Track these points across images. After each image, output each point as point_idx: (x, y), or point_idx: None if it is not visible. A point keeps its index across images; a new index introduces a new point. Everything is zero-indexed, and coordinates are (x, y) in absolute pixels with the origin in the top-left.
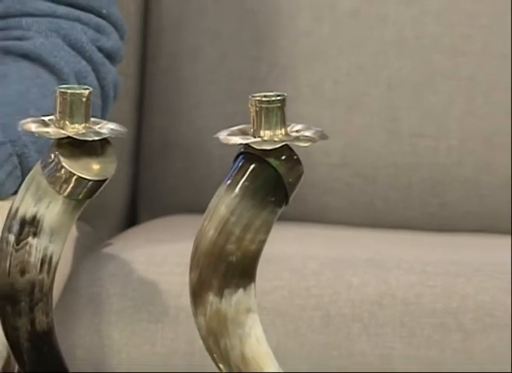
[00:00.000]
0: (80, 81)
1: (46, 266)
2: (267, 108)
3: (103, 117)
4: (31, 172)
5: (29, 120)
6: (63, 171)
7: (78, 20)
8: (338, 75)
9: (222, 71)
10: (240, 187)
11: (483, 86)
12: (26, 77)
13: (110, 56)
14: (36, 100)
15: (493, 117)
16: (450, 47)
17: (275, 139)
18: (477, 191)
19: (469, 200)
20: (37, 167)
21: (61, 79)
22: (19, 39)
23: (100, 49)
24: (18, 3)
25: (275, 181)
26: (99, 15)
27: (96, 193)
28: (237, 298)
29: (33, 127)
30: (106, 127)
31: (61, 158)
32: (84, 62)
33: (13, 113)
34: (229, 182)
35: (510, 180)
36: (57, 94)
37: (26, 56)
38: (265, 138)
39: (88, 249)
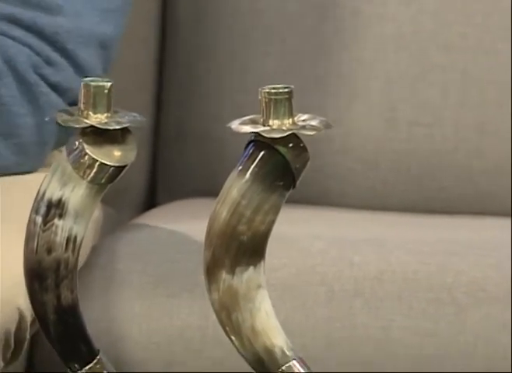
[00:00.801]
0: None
1: (71, 246)
2: (275, 99)
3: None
4: (57, 160)
5: (60, 110)
6: (86, 157)
7: (29, 46)
8: (341, 69)
9: (234, 66)
10: (251, 172)
11: (475, 79)
12: None
13: (56, 88)
14: None
15: (484, 107)
16: (445, 43)
17: (283, 128)
18: (470, 175)
19: (463, 184)
20: (63, 154)
21: None
22: None
23: (44, 78)
24: None
25: (283, 167)
26: (61, 49)
27: (117, 178)
28: (248, 275)
29: (59, 117)
30: (127, 117)
31: (85, 146)
32: (9, 79)
33: None
34: (240, 167)
35: (499, 165)
36: (82, 86)
37: None
38: (274, 127)
39: (110, 229)
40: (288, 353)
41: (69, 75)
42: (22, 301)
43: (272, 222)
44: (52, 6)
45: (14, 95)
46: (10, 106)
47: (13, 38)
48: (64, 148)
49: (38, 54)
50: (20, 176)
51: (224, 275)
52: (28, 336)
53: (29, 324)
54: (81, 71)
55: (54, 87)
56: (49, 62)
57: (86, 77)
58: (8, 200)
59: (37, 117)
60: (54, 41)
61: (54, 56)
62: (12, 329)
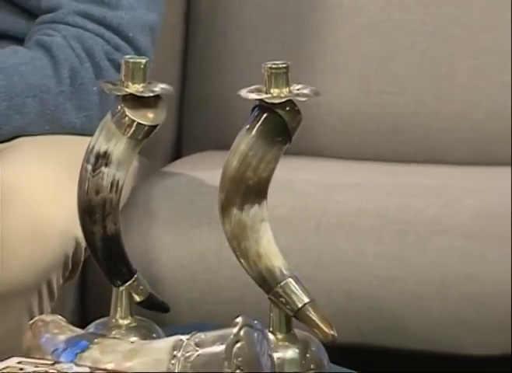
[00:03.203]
0: (72, 73)
1: (114, 188)
2: (275, 72)
3: (104, 107)
4: (103, 120)
5: (105, 81)
6: (127, 118)
7: (102, 37)
8: (327, 50)
9: (244, 47)
10: (256, 130)
11: (432, 57)
12: (30, 57)
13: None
14: (25, 72)
15: (439, 79)
16: (408, 29)
17: (281, 95)
18: (427, 133)
19: (422, 139)
20: (108, 116)
21: (55, 67)
22: (49, 36)
23: (113, 62)
24: (63, 14)
25: (281, 126)
26: (124, 37)
27: (151, 135)
28: (254, 211)
29: (105, 87)
30: (158, 87)
31: (126, 110)
32: (88, 64)
33: None
34: (247, 126)
35: (451, 124)
36: (123, 62)
37: (42, 46)
38: (274, 95)
39: (145, 175)
40: (285, 272)
41: None
42: (78, 232)
43: (273, 170)
44: (112, 2)
45: (91, 77)
46: (87, 86)
47: (88, 30)
48: (109, 112)
49: (108, 42)
50: (82, 137)
51: (235, 211)
52: (82, 260)
53: (83, 250)
54: (139, 53)
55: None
56: (117, 49)
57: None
58: (71, 153)
59: (102, 96)
60: (119, 31)
61: (121, 43)
62: (70, 254)
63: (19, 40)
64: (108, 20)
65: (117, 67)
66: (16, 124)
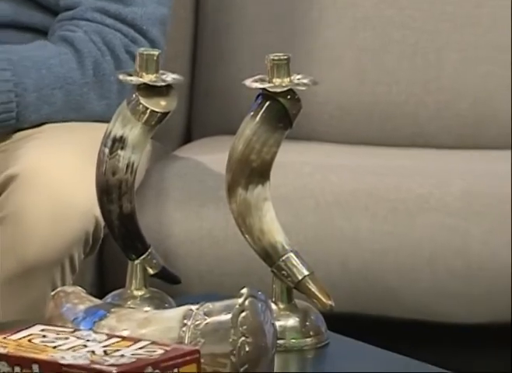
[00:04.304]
0: (95, 66)
1: (129, 170)
2: (277, 63)
3: (121, 96)
4: (119, 107)
5: (122, 72)
6: (141, 106)
7: (120, 31)
8: (325, 43)
9: (248, 41)
10: (260, 117)
11: (422, 50)
12: (56, 51)
13: None
14: (52, 66)
15: (428, 70)
16: (399, 23)
17: (283, 84)
18: (416, 119)
19: (412, 125)
20: (124, 104)
21: (79, 60)
22: (71, 31)
23: (131, 54)
24: (82, 11)
25: (282, 113)
26: (139, 30)
27: (163, 121)
28: (257, 191)
29: (121, 76)
30: (170, 77)
31: (140, 98)
32: (108, 57)
33: (29, 66)
34: (252, 113)
35: (438, 112)
36: (137, 54)
37: (65, 40)
38: (276, 84)
39: (158, 158)
40: (286, 247)
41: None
42: (98, 212)
43: (275, 153)
44: None
45: (112, 69)
46: (109, 77)
47: (107, 25)
48: (125, 100)
49: (126, 36)
50: (100, 124)
51: (240, 191)
52: (101, 237)
53: (102, 228)
54: (153, 45)
55: None
56: (134, 41)
57: (154, 48)
58: (90, 139)
59: (120, 86)
60: (134, 25)
61: (137, 36)
62: (91, 231)
63: (37, 31)
64: (123, 15)
65: (134, 58)
66: (44, 113)
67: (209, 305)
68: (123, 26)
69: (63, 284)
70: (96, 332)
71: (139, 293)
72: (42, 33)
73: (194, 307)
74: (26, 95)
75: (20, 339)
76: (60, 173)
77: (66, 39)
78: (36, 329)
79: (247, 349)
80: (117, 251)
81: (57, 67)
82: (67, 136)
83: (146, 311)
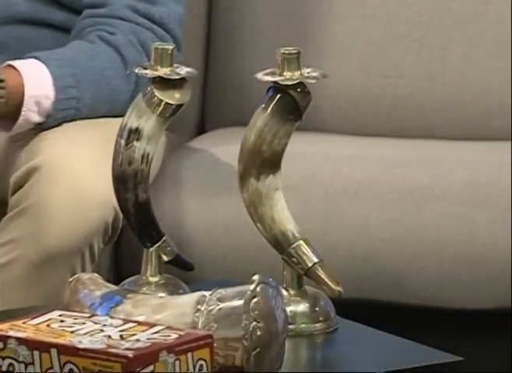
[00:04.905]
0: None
1: (145, 160)
2: (288, 58)
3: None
4: (135, 100)
5: (138, 65)
6: (156, 98)
7: (151, 30)
8: (334, 38)
9: (260, 36)
10: (271, 109)
11: (427, 44)
12: (109, 61)
13: None
14: (108, 78)
15: (433, 64)
16: (405, 20)
17: (293, 78)
18: (422, 111)
19: (418, 117)
20: (139, 96)
21: (124, 62)
22: (110, 33)
23: None
24: (114, 9)
25: (293, 105)
26: (166, 29)
27: (177, 113)
28: (269, 181)
29: (137, 70)
30: (184, 70)
31: (155, 90)
32: (146, 58)
33: (90, 80)
34: (263, 105)
35: (444, 105)
36: (152, 49)
37: (110, 44)
38: (287, 77)
39: (172, 149)
40: (297, 235)
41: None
42: (116, 202)
43: (286, 144)
44: None
45: None
46: (145, 79)
47: (138, 24)
48: (140, 93)
49: (156, 35)
50: (115, 118)
51: (252, 180)
52: (120, 226)
53: (121, 218)
54: (176, 42)
55: None
56: (163, 40)
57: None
58: (107, 132)
59: None
60: (162, 23)
61: (165, 34)
62: (110, 221)
63: (54, 27)
64: (152, 14)
65: None
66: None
67: (222, 291)
68: (153, 25)
69: (82, 272)
70: (112, 318)
71: (154, 279)
72: (60, 29)
73: (207, 293)
74: (83, 110)
75: (39, 324)
76: (80, 165)
77: (110, 42)
78: (54, 315)
79: (259, 333)
80: (132, 239)
81: (112, 79)
82: (86, 130)
83: (161, 297)
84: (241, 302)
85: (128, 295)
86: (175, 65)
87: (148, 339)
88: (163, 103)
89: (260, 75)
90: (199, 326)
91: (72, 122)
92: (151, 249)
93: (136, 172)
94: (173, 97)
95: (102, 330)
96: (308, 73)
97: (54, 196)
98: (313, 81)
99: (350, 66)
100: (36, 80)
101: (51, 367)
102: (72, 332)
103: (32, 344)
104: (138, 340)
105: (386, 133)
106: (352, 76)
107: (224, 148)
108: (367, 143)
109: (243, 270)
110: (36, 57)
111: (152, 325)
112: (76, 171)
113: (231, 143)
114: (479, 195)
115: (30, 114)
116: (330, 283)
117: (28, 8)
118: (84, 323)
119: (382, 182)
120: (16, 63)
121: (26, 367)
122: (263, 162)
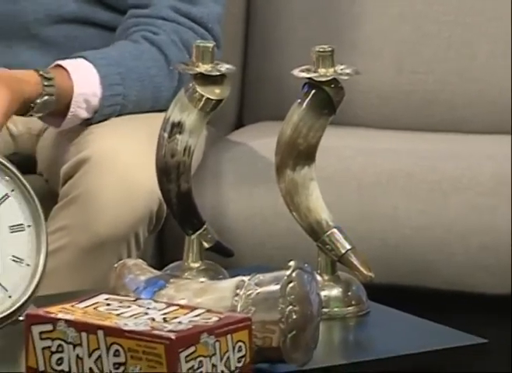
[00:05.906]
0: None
1: (187, 152)
2: (322, 55)
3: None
4: (178, 95)
5: (180, 62)
6: (197, 94)
7: (192, 29)
8: (366, 36)
9: (296, 34)
10: (306, 104)
11: (455, 42)
12: (153, 59)
13: None
14: (152, 76)
15: (462, 61)
16: (433, 18)
17: (327, 74)
18: (451, 106)
19: (448, 111)
20: (182, 91)
21: (166, 61)
22: (154, 33)
23: None
24: (157, 9)
25: (327, 100)
26: (206, 28)
27: (218, 108)
28: (304, 172)
29: (180, 67)
30: (224, 67)
31: (196, 86)
32: (187, 56)
33: (135, 79)
34: (299, 101)
35: (472, 100)
36: (194, 46)
37: (153, 44)
38: (321, 74)
39: (213, 142)
40: (330, 223)
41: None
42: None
43: (320, 137)
44: None
45: None
46: (187, 77)
47: (180, 24)
48: (182, 89)
49: (197, 34)
50: (158, 113)
51: (288, 172)
52: (164, 216)
53: (165, 208)
54: (215, 39)
55: None
56: (203, 38)
57: (217, 43)
58: (152, 127)
59: None
60: (202, 22)
61: (205, 33)
62: (155, 211)
63: (99, 26)
64: (193, 14)
65: None
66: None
67: (260, 277)
68: (194, 25)
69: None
70: (155, 301)
71: (195, 265)
72: (105, 28)
73: (245, 278)
74: (128, 105)
75: (87, 307)
76: (127, 157)
77: (153, 42)
78: (101, 298)
79: (295, 317)
80: (175, 226)
81: (155, 77)
82: (131, 124)
83: (202, 282)
84: (278, 287)
85: (171, 280)
86: (215, 62)
87: (189, 321)
88: (204, 98)
89: (296, 72)
90: (238, 310)
91: (118, 117)
92: (192, 237)
93: (178, 164)
94: (214, 92)
95: (146, 313)
96: (341, 70)
97: (102, 187)
98: (346, 77)
99: (382, 63)
100: (84, 78)
101: (98, 348)
102: (118, 314)
103: (80, 326)
104: (180, 323)
105: (416, 127)
106: (383, 73)
107: (262, 141)
108: (398, 137)
109: (280, 257)
110: (83, 57)
111: (193, 309)
112: (124, 162)
113: (268, 136)
114: (503, 186)
115: (79, 111)
116: (362, 268)
117: (76, 8)
118: (129, 306)
119: (412, 174)
120: (65, 62)
121: (74, 348)
122: (299, 154)
